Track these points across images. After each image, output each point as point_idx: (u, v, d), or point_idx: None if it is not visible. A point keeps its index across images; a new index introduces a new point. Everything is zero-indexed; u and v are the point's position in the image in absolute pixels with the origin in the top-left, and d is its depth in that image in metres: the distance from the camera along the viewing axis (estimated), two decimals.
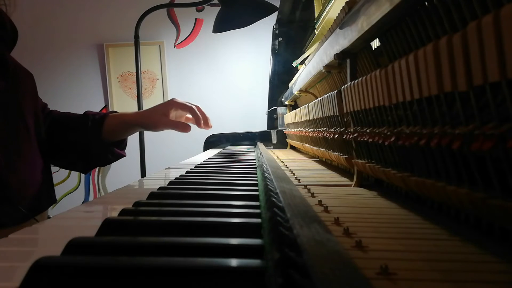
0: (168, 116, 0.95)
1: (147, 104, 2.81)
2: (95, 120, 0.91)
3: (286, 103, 1.75)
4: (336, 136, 0.72)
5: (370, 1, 0.47)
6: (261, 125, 2.32)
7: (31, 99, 0.82)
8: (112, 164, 1.07)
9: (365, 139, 0.53)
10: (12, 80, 0.76)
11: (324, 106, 0.80)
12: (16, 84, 0.78)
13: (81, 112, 0.95)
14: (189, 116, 1.01)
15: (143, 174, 1.86)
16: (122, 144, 0.98)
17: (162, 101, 3.27)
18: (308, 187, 0.60)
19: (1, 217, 0.69)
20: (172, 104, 0.97)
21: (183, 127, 0.95)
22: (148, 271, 0.23)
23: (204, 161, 1.00)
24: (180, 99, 1.00)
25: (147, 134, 2.11)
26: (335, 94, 0.69)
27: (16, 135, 0.75)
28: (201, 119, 1.00)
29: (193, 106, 0.99)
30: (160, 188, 0.54)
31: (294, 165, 0.99)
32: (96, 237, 0.32)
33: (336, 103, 0.69)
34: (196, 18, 2.94)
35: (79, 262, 0.24)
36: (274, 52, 2.08)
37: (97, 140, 0.90)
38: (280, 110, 1.93)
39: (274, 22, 2.03)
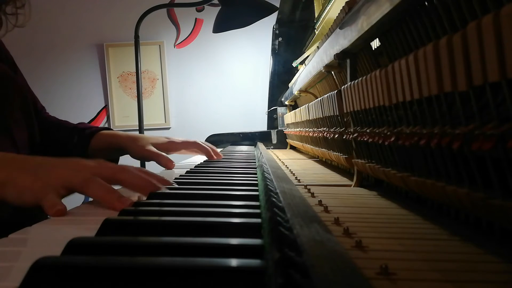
0: (152, 148, 0.91)
1: (147, 104, 2.84)
2: (83, 136, 0.89)
3: (286, 103, 1.75)
4: (336, 136, 0.72)
5: (370, 1, 0.47)
6: (261, 125, 2.32)
7: (23, 109, 0.79)
8: None
9: (365, 139, 0.53)
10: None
11: (324, 106, 0.80)
12: (4, 99, 0.75)
13: (81, 112, 0.94)
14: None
15: None
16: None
17: (162, 101, 3.21)
18: (308, 187, 0.60)
19: None
20: (172, 144, 0.95)
21: (167, 162, 0.91)
22: (148, 271, 0.23)
23: (204, 161, 1.00)
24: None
25: (147, 134, 2.11)
26: (335, 94, 0.69)
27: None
28: (210, 151, 0.99)
29: (200, 143, 0.98)
30: None
31: (294, 165, 0.98)
32: (96, 237, 0.32)
33: (336, 103, 0.69)
34: (196, 18, 2.94)
35: (79, 262, 0.24)
36: (274, 52, 2.08)
37: (81, 156, 0.89)
38: (280, 110, 1.93)
39: (274, 22, 2.03)
